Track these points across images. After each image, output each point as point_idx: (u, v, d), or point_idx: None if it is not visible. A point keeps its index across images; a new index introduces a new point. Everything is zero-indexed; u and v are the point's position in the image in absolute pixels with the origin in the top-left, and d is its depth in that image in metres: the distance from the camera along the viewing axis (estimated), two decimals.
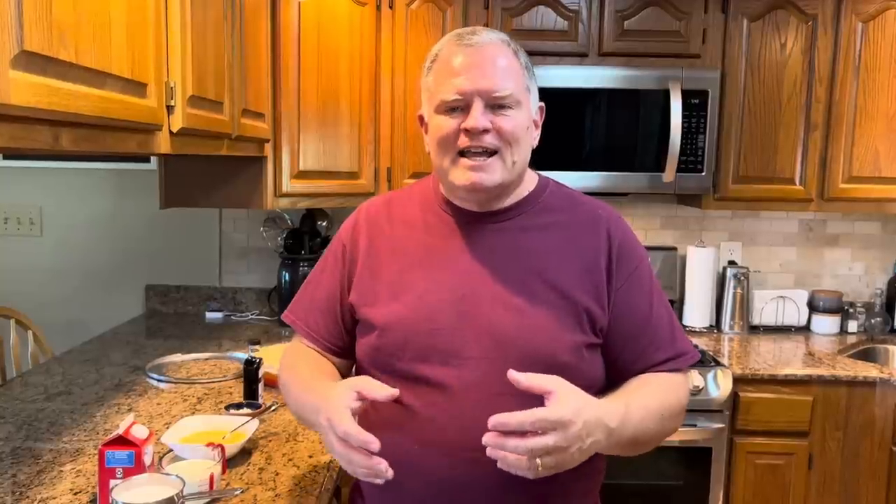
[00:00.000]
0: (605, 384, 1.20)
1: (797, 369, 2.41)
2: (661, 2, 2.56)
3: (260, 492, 1.40)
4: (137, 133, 1.35)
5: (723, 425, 2.34)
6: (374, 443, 1.00)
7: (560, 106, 2.48)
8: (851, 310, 2.91)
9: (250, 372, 1.85)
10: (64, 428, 1.70)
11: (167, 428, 1.58)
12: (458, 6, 2.56)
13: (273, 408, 1.84)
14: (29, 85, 0.93)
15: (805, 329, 2.92)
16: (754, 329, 2.90)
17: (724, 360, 2.47)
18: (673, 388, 1.19)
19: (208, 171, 2.31)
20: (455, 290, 1.18)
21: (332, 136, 2.48)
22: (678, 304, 2.90)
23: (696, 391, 2.29)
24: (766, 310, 2.90)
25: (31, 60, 0.94)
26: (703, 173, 2.54)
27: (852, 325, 2.90)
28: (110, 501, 1.10)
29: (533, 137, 1.23)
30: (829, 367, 2.43)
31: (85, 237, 2.95)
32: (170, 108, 1.44)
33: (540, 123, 1.26)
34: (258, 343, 1.97)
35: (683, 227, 3.01)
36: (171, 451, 1.48)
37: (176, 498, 1.11)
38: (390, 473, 1.02)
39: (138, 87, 1.29)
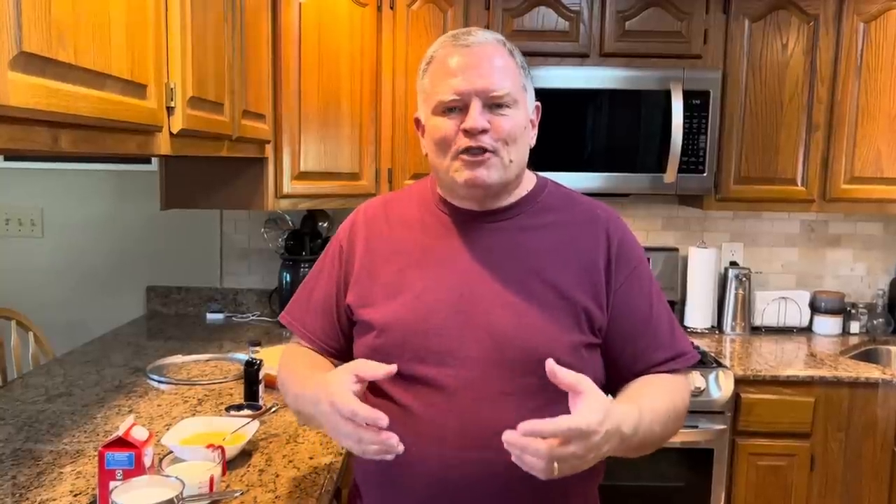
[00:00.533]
0: (604, 384, 1.19)
1: (799, 370, 2.41)
2: (662, 2, 2.55)
3: (260, 493, 1.40)
4: (137, 134, 1.34)
5: (724, 426, 2.34)
6: (383, 418, 0.99)
7: (561, 107, 2.48)
8: (853, 311, 2.91)
9: (251, 373, 1.85)
10: (64, 429, 1.70)
11: (167, 429, 1.58)
12: (458, 7, 2.56)
13: (273, 409, 1.84)
14: (28, 86, 0.93)
15: (807, 330, 2.91)
16: (756, 330, 2.90)
17: (726, 362, 2.46)
18: (678, 391, 1.19)
19: (209, 173, 2.31)
20: (453, 289, 1.18)
21: (333, 137, 2.48)
22: (679, 305, 2.90)
23: (697, 392, 2.29)
24: (767, 311, 2.89)
25: (30, 61, 0.94)
26: (705, 174, 2.54)
27: (854, 326, 2.90)
28: (110, 503, 1.10)
29: (530, 137, 1.23)
30: (830, 369, 2.43)
31: (86, 238, 2.95)
32: (170, 110, 1.44)
33: (536, 123, 1.25)
34: (259, 344, 1.98)
35: (685, 228, 3.00)
36: (171, 452, 1.47)
37: (176, 500, 1.11)
38: (401, 448, 1.01)
39: (138, 89, 1.29)
